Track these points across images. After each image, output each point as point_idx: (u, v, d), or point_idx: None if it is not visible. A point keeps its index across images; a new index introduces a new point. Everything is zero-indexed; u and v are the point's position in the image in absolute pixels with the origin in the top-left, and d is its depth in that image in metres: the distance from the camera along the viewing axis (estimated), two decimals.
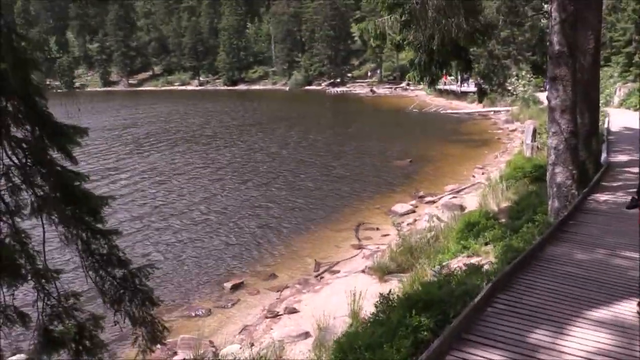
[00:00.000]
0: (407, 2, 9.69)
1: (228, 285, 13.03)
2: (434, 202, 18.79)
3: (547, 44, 8.85)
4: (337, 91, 70.70)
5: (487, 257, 10.07)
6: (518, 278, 6.81)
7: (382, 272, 12.22)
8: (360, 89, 69.39)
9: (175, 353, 10.16)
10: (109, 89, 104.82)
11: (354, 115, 48.77)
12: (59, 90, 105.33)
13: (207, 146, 34.14)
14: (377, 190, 21.23)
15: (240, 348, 10.19)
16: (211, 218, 18.74)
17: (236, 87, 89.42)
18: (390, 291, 7.75)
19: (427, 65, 11.98)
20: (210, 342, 10.29)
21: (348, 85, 74.22)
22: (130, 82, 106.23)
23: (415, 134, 33.93)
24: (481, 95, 13.75)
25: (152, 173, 26.50)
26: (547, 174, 9.33)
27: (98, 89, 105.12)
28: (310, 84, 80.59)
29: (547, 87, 9.03)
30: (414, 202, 18.94)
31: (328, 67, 78.22)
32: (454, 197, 18.53)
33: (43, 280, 5.27)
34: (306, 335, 10.13)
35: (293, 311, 11.33)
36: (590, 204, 10.39)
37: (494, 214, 12.92)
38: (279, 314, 11.34)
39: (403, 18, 9.68)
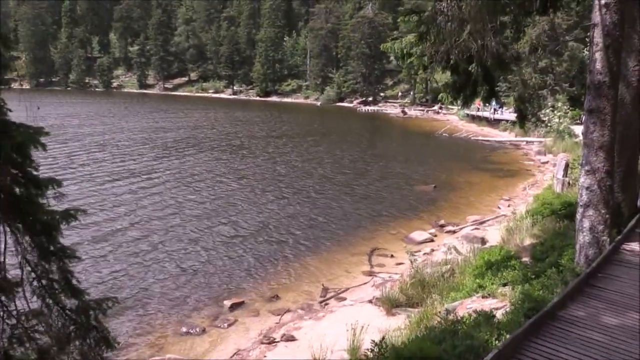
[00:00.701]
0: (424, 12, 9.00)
1: (228, 303, 12.40)
2: (454, 232, 17.89)
3: (587, 73, 8.02)
4: (368, 110, 70.06)
5: (503, 300, 9.23)
6: (530, 342, 5.89)
7: (390, 304, 11.44)
8: (391, 109, 68.62)
9: None
10: (145, 91, 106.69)
11: (383, 135, 48.05)
12: (96, 89, 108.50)
13: (232, 155, 33.86)
14: (396, 215, 20.41)
15: None
16: (223, 229, 18.21)
17: (268, 99, 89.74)
18: (383, 339, 6.94)
19: (462, 86, 11.20)
20: None
21: (380, 105, 73.55)
22: (165, 86, 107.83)
23: (443, 159, 32.98)
24: (522, 120, 12.88)
25: (172, 178, 26.25)
26: (577, 215, 8.38)
27: (134, 91, 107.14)
28: (342, 100, 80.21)
29: (584, 120, 8.11)
30: (433, 230, 18.07)
31: (361, 85, 77.75)
32: (475, 229, 17.60)
33: (2, 297, 4.72)
34: None
35: (290, 339, 10.62)
36: (624, 254, 9.19)
37: (516, 252, 12.02)
38: (276, 340, 10.65)
39: (420, 29, 8.95)
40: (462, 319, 6.60)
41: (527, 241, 13.70)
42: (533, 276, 9.00)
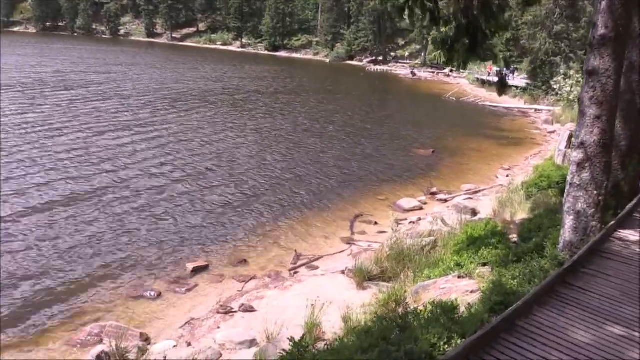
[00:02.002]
0: None
1: (190, 266, 11.58)
2: (445, 201, 16.88)
3: (591, 27, 6.72)
4: (377, 69, 68.05)
5: (479, 282, 8.29)
6: (482, 353, 4.80)
7: (362, 277, 10.55)
8: (401, 70, 66.57)
9: (101, 340, 8.78)
10: (152, 40, 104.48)
11: (389, 96, 46.56)
12: (103, 36, 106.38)
13: (233, 109, 32.66)
14: (387, 179, 19.39)
15: (175, 346, 8.77)
16: (205, 187, 17.26)
17: (277, 53, 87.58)
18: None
19: (453, 43, 9.90)
20: (142, 334, 8.84)
21: (390, 65, 71.39)
22: (173, 35, 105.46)
23: (446, 124, 31.62)
24: (501, 87, 11.26)
25: (168, 132, 24.89)
26: (565, 195, 7.18)
27: (142, 39, 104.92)
28: (351, 58, 78.06)
29: (583, 84, 6.82)
30: (423, 198, 17.08)
31: (372, 44, 75.47)
32: (468, 199, 16.58)
33: None
34: (251, 343, 8.63)
35: (249, 309, 9.81)
36: (615, 244, 7.58)
37: (503, 227, 10.98)
38: (233, 310, 9.84)
39: None
40: (418, 311, 5.63)
41: (519, 216, 12.70)
42: (515, 259, 8.01)
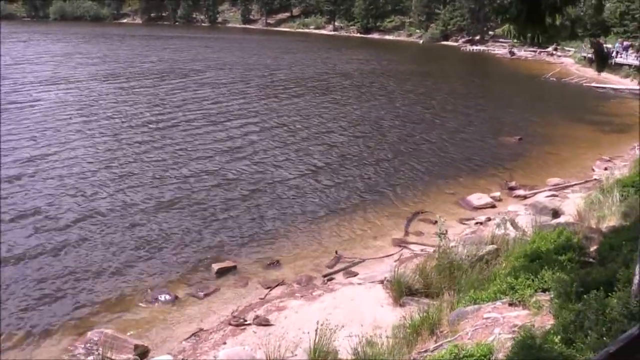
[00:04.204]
0: None
1: (215, 267, 10.54)
2: (525, 197, 14.59)
3: None
4: (473, 49, 63.86)
5: (534, 315, 6.41)
6: None
7: (400, 291, 8.90)
8: (499, 49, 61.85)
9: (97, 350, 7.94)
10: (248, 26, 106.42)
11: (481, 77, 43.07)
12: (202, 24, 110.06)
13: (312, 94, 31.51)
14: (460, 170, 17.29)
15: None
16: (257, 175, 16.22)
17: (368, 36, 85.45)
18: None
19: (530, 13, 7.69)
20: (136, 346, 7.87)
21: (487, 44, 66.66)
22: (268, 21, 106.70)
23: (541, 107, 28.28)
24: (600, 62, 8.97)
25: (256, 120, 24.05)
26: None
27: (237, 26, 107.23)
28: (446, 39, 73.99)
29: None
30: (498, 193, 14.86)
31: (468, 23, 71.01)
32: (552, 196, 14.17)
33: None
34: None
35: (264, 323, 8.54)
36: None
37: (582, 238, 8.78)
38: (246, 322, 8.62)
39: None
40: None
41: (608, 222, 10.30)
42: (581, 289, 6.01)
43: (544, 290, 6.97)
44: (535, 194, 14.63)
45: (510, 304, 6.95)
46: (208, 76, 36.71)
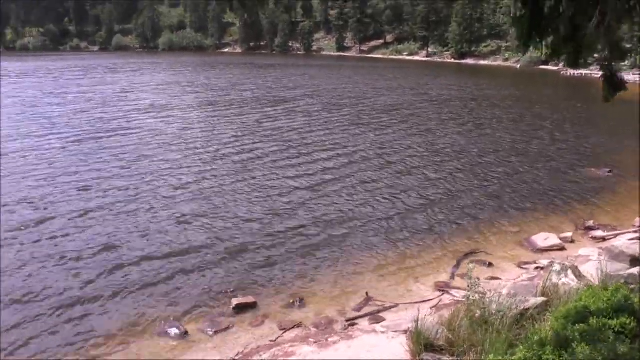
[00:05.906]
0: None
1: (235, 302, 9.90)
2: (603, 239, 12.65)
3: None
4: (574, 73, 59.70)
5: None
6: None
7: (420, 346, 7.71)
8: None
9: None
10: (342, 53, 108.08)
11: (580, 103, 39.79)
12: (298, 52, 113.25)
13: (387, 121, 30.70)
14: (533, 205, 15.55)
15: None
16: (300, 203, 15.58)
17: (463, 61, 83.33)
18: None
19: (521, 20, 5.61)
20: None
21: (590, 68, 61.94)
22: (361, 48, 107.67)
23: None
24: (609, 89, 5.93)
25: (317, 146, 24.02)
26: None
27: (332, 53, 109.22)
28: (545, 63, 70.07)
29: None
30: (570, 233, 13.02)
31: None
32: (636, 240, 12.12)
33: None
34: None
35: None
36: None
37: None
38: None
39: None
40: None
41: None
42: None
43: None
44: (617, 235, 12.65)
45: None
46: (301, 105, 37.09)
